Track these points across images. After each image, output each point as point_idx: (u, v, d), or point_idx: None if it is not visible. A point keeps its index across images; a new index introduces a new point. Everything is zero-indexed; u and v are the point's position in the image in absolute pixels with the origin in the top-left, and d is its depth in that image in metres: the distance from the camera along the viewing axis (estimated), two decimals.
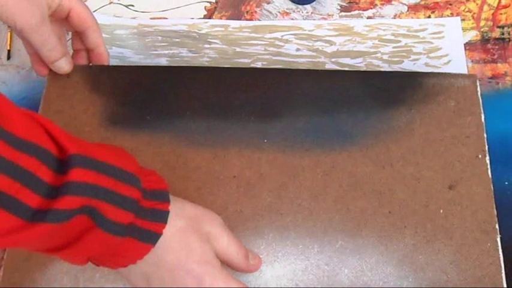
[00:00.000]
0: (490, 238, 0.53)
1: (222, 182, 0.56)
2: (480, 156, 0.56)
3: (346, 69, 0.65)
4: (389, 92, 0.60)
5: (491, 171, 0.56)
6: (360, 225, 0.54)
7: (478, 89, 0.59)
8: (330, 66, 0.66)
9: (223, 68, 0.63)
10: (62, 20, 0.60)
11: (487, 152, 0.56)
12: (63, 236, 0.39)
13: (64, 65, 0.60)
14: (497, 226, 0.53)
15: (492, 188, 0.55)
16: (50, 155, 0.38)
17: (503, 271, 0.52)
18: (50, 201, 0.37)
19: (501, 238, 0.53)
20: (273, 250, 0.53)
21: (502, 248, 0.53)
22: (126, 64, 0.67)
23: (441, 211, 0.54)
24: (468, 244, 0.53)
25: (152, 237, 0.43)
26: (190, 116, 0.59)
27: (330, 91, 0.60)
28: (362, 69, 0.65)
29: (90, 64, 0.64)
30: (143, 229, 0.43)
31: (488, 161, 0.56)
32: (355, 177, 0.56)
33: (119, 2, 0.74)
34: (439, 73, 0.61)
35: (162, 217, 0.44)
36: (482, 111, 0.58)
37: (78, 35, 0.63)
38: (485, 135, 0.57)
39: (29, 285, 0.53)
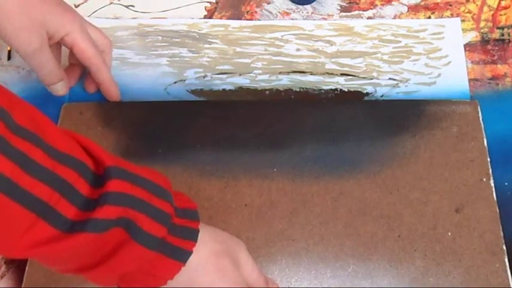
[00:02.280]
0: (497, 259, 0.54)
1: (234, 210, 0.57)
2: (485, 179, 0.57)
3: (346, 74, 0.66)
4: (393, 119, 0.61)
5: (492, 172, 0.58)
6: (371, 250, 0.55)
7: (480, 114, 0.61)
8: (330, 66, 0.67)
9: (231, 101, 0.65)
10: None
11: (491, 175, 0.58)
12: (98, 250, 0.39)
13: (59, 89, 0.63)
14: (504, 247, 0.54)
15: (498, 210, 0.56)
16: (87, 168, 0.39)
17: None
18: (87, 213, 0.37)
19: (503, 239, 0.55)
20: (287, 276, 0.54)
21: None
22: (126, 65, 0.69)
23: (449, 234, 0.55)
24: (477, 265, 0.54)
25: (183, 255, 0.44)
26: (201, 148, 0.61)
27: (336, 121, 0.62)
28: (362, 69, 0.67)
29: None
30: (174, 246, 0.43)
31: (492, 184, 0.57)
32: (363, 203, 0.57)
33: (119, 2, 0.74)
34: (440, 100, 0.63)
35: (193, 235, 0.45)
36: (484, 135, 0.60)
37: None
38: (488, 159, 0.58)
39: None
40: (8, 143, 0.34)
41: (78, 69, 0.67)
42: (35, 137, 0.36)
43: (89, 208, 0.38)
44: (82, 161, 0.39)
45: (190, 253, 0.44)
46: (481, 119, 0.61)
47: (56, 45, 0.61)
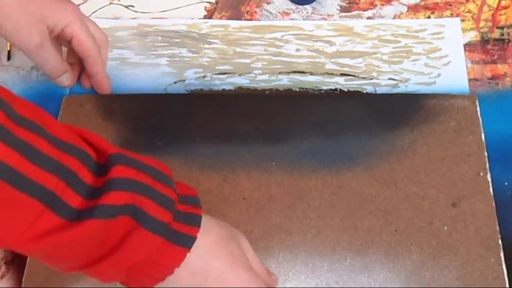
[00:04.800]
0: (493, 253, 0.54)
1: (232, 203, 0.58)
2: (482, 174, 0.58)
3: (346, 74, 0.66)
4: (391, 113, 0.62)
5: (491, 172, 0.58)
6: (368, 243, 0.55)
7: (478, 108, 0.61)
8: (329, 66, 0.68)
9: (231, 95, 0.66)
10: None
11: (488, 169, 0.58)
12: (106, 239, 0.39)
13: (64, 81, 0.65)
14: (500, 242, 0.55)
15: (494, 204, 0.56)
16: (89, 157, 0.39)
17: (507, 285, 0.53)
18: (92, 201, 0.38)
19: (502, 238, 0.55)
20: (284, 269, 0.55)
21: (502, 247, 0.55)
22: (126, 65, 0.69)
23: (445, 228, 0.55)
24: (473, 260, 0.54)
25: (188, 241, 0.43)
26: (200, 141, 0.61)
27: (335, 114, 0.62)
28: (362, 69, 0.67)
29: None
30: (179, 232, 0.43)
31: (489, 179, 0.57)
32: (361, 197, 0.57)
33: (119, 2, 0.75)
34: (439, 94, 0.63)
35: (196, 221, 0.45)
36: (482, 130, 0.60)
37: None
38: (485, 154, 0.59)
39: None
40: (10, 132, 0.34)
41: (77, 68, 0.67)
42: (37, 127, 0.36)
43: (93, 197, 0.38)
44: (84, 150, 0.39)
45: (194, 239, 0.44)
46: (479, 113, 0.61)
47: (56, 38, 0.62)
